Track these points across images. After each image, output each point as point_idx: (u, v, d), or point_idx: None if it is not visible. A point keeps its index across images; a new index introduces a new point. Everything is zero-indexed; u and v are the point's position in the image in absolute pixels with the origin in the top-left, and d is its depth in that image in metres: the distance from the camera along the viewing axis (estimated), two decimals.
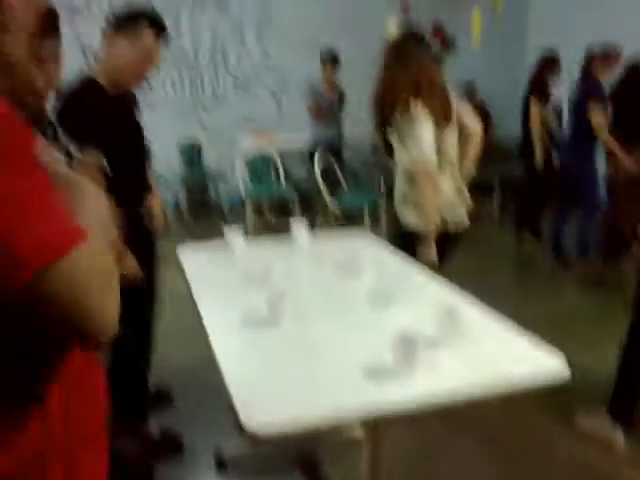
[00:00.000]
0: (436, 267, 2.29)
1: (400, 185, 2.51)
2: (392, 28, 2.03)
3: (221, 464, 2.32)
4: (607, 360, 2.55)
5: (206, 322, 1.69)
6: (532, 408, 2.67)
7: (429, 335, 1.50)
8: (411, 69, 2.37)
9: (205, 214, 6.14)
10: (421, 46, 2.47)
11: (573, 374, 1.40)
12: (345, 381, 1.36)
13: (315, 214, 5.44)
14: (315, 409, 1.24)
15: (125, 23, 2.04)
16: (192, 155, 6.20)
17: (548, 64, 4.77)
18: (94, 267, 0.68)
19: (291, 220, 2.47)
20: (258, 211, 5.84)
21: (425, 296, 1.87)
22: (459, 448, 2.44)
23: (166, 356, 2.72)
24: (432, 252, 2.37)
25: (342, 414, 1.25)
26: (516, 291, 4.30)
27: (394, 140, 2.43)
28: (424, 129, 2.32)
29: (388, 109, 2.39)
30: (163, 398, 2.71)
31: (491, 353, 1.51)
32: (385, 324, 1.63)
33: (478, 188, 5.69)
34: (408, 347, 1.37)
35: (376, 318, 1.71)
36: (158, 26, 2.08)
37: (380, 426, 1.77)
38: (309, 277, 2.12)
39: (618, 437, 2.37)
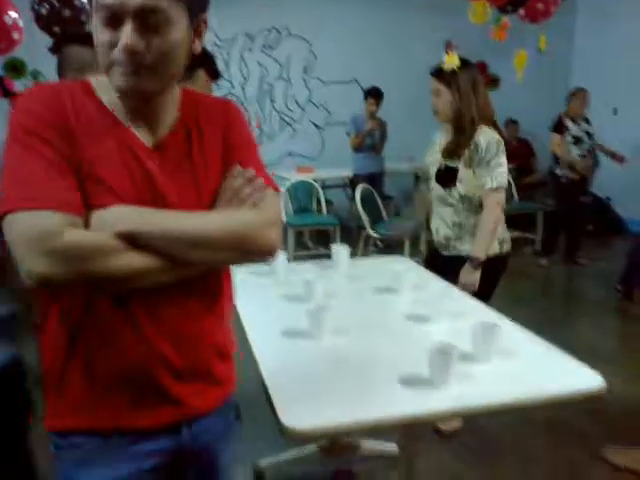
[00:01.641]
0: (475, 292, 2.32)
1: (452, 214, 2.51)
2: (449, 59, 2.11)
3: (260, 477, 2.36)
4: None
5: (249, 335, 1.76)
6: (572, 433, 2.63)
7: (465, 349, 1.54)
8: (482, 96, 2.44)
9: None
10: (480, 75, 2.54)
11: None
12: (381, 389, 1.41)
13: (355, 243, 5.51)
14: (352, 413, 1.29)
15: None
16: None
17: (568, 100, 5.37)
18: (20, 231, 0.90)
19: (332, 246, 2.54)
20: (300, 240, 5.95)
21: (463, 315, 1.90)
22: (494, 468, 2.42)
23: None
24: (477, 277, 2.40)
25: (378, 419, 1.29)
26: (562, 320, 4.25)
27: (460, 166, 2.45)
28: (504, 157, 2.43)
29: (466, 135, 2.43)
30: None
31: (527, 368, 1.54)
32: (422, 338, 1.67)
33: (522, 220, 5.79)
34: (444, 359, 1.41)
35: (414, 333, 1.75)
36: (212, 70, 2.21)
37: (414, 438, 1.79)
38: (349, 295, 2.18)
39: None
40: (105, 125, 0.98)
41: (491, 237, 2.42)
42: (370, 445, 2.48)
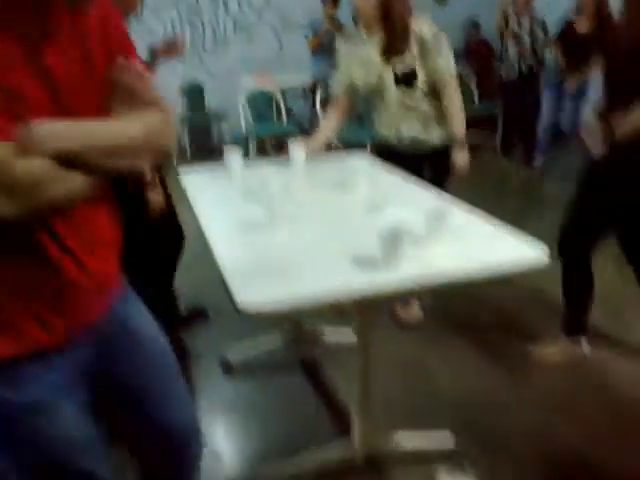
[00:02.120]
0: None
1: (417, 115, 2.55)
2: None
3: (227, 367, 2.47)
4: None
5: (206, 230, 1.77)
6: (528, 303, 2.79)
7: (417, 232, 1.58)
8: None
9: (208, 156, 6.18)
10: None
11: None
12: (335, 271, 1.46)
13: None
14: (305, 293, 1.33)
15: None
16: (194, 97, 6.20)
17: None
18: None
19: (289, 143, 2.52)
20: (261, 149, 5.88)
21: (418, 204, 1.94)
22: (454, 352, 2.57)
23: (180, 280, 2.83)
24: (467, 156, 2.55)
25: (330, 297, 1.34)
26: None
27: (411, 61, 2.45)
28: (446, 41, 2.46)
29: (397, 28, 2.41)
30: (199, 314, 2.88)
31: (476, 247, 1.59)
32: (376, 226, 1.70)
33: (483, 122, 5.80)
34: (394, 239, 1.45)
35: (368, 222, 1.78)
36: None
37: (371, 324, 1.87)
38: (305, 190, 2.19)
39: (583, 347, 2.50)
40: None
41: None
42: (332, 334, 2.59)
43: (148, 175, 2.18)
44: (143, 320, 1.26)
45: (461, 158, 2.56)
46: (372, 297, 1.40)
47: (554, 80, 5.06)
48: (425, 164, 2.60)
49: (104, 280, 1.10)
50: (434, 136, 2.59)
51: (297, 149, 2.46)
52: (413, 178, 2.26)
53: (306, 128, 5.76)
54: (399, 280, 1.40)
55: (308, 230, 1.75)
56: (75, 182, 0.91)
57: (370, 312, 1.84)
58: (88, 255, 1.03)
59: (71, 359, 1.06)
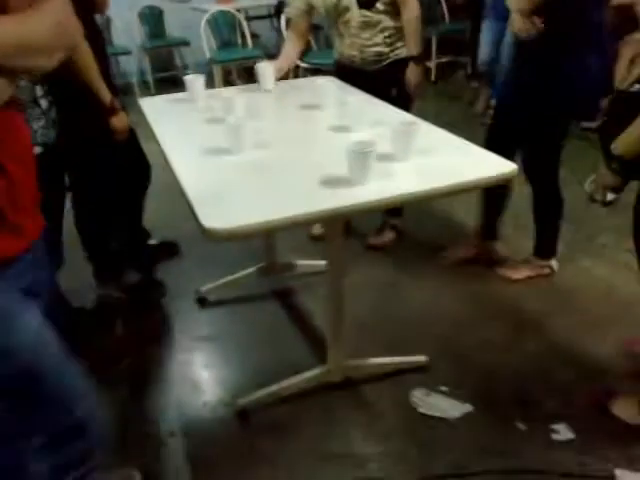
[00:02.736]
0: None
1: (379, 32, 2.51)
2: None
3: (202, 301, 2.46)
4: None
5: (170, 157, 1.71)
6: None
7: (385, 151, 1.55)
8: None
9: (172, 86, 5.94)
10: None
11: None
12: (302, 190, 1.43)
13: (285, 76, 5.31)
14: (272, 212, 1.30)
15: None
16: (153, 23, 5.90)
17: None
18: None
19: (256, 65, 2.42)
20: (227, 78, 5.68)
21: (385, 123, 1.89)
22: (426, 277, 2.60)
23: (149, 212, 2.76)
24: (419, 73, 2.57)
25: (297, 215, 1.31)
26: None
27: None
28: None
29: None
30: (169, 248, 2.83)
31: (444, 162, 1.57)
32: (344, 146, 1.66)
33: (453, 43, 5.65)
34: (361, 156, 1.41)
35: (336, 142, 1.74)
36: None
37: (341, 249, 1.86)
38: (271, 112, 2.12)
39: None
40: None
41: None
42: (304, 264, 2.59)
43: (108, 100, 2.08)
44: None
45: (414, 75, 2.55)
46: (340, 212, 1.37)
47: None
48: (389, 81, 2.56)
49: (33, 190, 1.09)
50: (398, 51, 2.56)
51: (263, 67, 2.38)
52: (377, 98, 2.21)
53: (273, 53, 5.54)
54: (367, 195, 1.38)
55: (276, 153, 1.70)
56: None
57: (338, 231, 1.82)
58: (13, 163, 1.01)
59: (27, 263, 1.06)
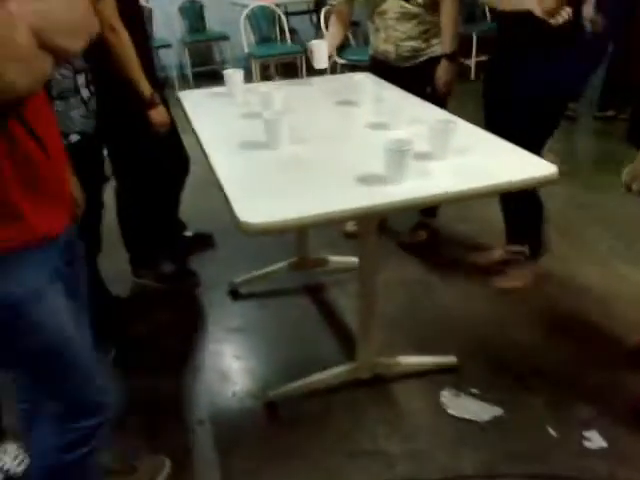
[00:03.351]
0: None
1: (416, 25, 2.48)
2: None
3: (234, 293, 2.49)
4: None
5: (207, 151, 1.73)
6: None
7: (422, 150, 1.54)
8: None
9: (211, 80, 6.00)
10: None
11: None
12: (338, 187, 1.43)
13: (323, 72, 5.31)
14: (307, 208, 1.31)
15: None
16: (194, 17, 5.97)
17: None
18: None
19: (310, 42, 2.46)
20: (265, 73, 5.71)
21: (422, 121, 1.88)
22: (457, 277, 2.58)
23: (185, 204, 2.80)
24: (451, 72, 2.52)
25: (332, 212, 1.32)
26: None
27: None
28: None
29: None
30: (204, 240, 2.88)
31: (482, 162, 1.55)
32: (380, 144, 1.66)
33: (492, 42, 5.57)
34: (398, 154, 1.41)
35: (373, 139, 1.74)
36: None
37: (374, 247, 1.85)
38: (309, 108, 2.13)
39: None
40: None
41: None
42: (336, 260, 2.59)
43: (148, 93, 2.11)
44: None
45: (445, 72, 2.49)
46: (375, 210, 1.37)
47: None
48: (424, 79, 2.52)
49: (64, 175, 1.12)
50: (434, 48, 2.52)
51: (319, 45, 2.42)
52: (413, 95, 2.20)
53: None
54: (402, 194, 1.37)
55: (312, 149, 1.70)
56: (47, 61, 0.84)
57: (372, 229, 1.82)
58: (51, 141, 1.05)
59: (57, 247, 1.10)
